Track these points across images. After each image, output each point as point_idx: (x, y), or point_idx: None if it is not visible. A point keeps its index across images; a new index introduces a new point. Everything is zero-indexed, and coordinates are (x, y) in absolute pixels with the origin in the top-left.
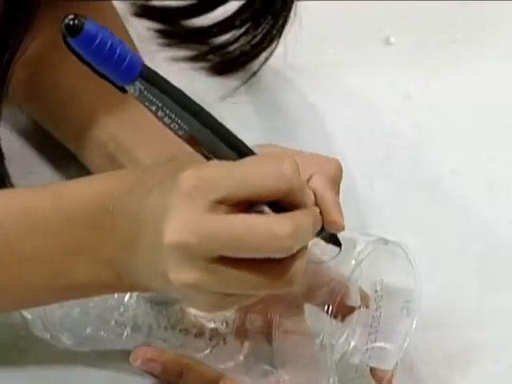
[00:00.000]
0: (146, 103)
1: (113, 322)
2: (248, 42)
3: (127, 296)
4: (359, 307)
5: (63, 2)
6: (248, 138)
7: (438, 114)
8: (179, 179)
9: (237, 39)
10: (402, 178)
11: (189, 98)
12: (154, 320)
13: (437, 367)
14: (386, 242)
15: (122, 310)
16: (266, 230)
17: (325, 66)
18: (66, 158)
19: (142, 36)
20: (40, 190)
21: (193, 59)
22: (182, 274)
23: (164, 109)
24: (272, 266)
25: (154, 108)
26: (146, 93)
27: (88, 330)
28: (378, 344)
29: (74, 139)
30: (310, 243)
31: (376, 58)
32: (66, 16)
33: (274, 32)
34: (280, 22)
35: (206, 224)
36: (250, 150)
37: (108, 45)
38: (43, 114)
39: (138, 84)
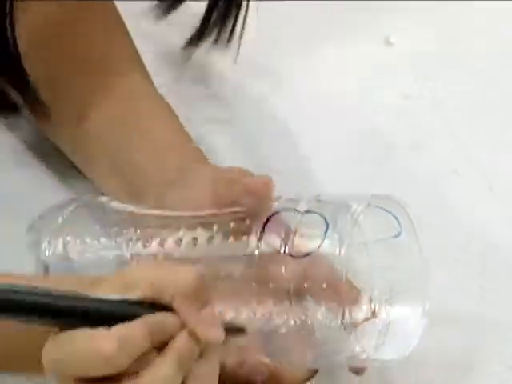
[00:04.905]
0: None
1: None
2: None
3: None
4: (368, 319)
5: (62, 2)
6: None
7: (438, 114)
8: None
9: None
10: (401, 178)
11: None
12: None
13: (437, 367)
14: (378, 197)
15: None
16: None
17: (324, 65)
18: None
19: (142, 36)
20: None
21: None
22: None
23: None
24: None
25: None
26: None
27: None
28: (386, 347)
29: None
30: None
31: (376, 58)
32: None
33: None
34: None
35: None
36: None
37: None
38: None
39: None
